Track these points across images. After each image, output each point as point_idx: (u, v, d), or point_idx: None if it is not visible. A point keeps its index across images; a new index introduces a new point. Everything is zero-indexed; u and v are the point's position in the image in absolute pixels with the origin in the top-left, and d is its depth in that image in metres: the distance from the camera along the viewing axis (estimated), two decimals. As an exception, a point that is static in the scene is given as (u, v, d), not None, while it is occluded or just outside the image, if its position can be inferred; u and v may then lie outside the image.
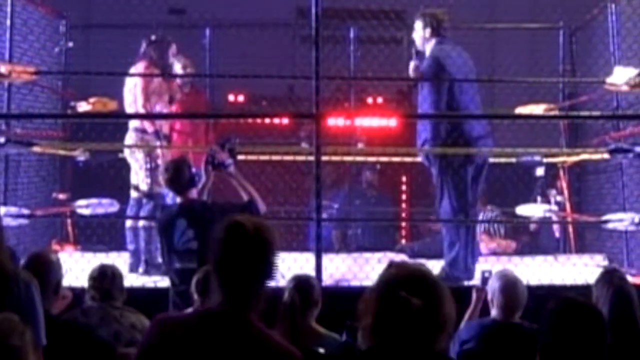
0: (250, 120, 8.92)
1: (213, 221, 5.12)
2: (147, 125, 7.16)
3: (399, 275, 2.46)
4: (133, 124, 7.21)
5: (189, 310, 4.14)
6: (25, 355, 2.63)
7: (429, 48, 6.50)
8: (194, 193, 5.41)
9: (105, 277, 4.30)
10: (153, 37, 7.41)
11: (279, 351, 2.53)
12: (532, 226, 8.76)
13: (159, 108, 7.32)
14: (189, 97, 8.15)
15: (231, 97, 10.09)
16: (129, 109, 7.24)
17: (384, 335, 2.40)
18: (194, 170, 5.51)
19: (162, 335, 2.52)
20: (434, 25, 6.42)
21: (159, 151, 7.13)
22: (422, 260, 6.92)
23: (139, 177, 7.07)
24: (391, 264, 2.63)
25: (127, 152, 7.24)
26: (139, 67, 7.29)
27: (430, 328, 2.38)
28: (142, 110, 7.11)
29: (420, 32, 6.51)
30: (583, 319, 2.68)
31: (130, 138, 7.21)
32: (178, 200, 5.42)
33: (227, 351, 2.47)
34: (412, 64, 6.41)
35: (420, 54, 6.54)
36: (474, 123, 6.46)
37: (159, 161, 6.96)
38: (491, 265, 6.60)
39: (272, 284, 2.64)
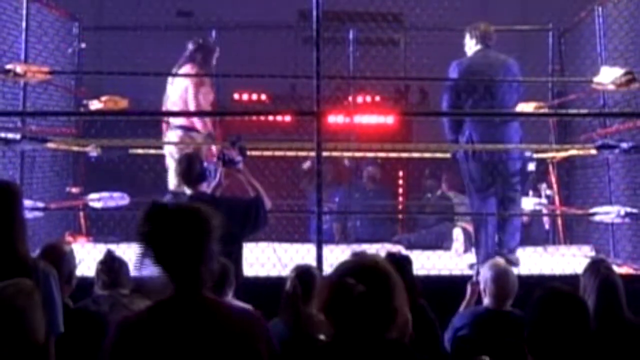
0: (254, 118, 8.91)
1: (220, 214, 5.12)
2: (200, 126, 7.03)
3: (350, 263, 2.41)
4: (178, 121, 7.13)
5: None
6: (32, 315, 2.62)
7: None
8: (204, 186, 5.40)
9: (114, 261, 4.30)
10: (200, 41, 7.33)
11: (237, 317, 2.48)
12: (524, 218, 8.75)
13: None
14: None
15: (236, 96, 10.08)
16: (174, 107, 7.13)
17: (335, 322, 2.34)
18: (205, 165, 5.49)
19: (123, 336, 2.43)
20: (477, 36, 6.80)
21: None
22: (418, 251, 6.94)
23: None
24: (353, 254, 2.56)
25: (169, 152, 7.13)
26: (186, 69, 7.17)
27: (378, 316, 2.32)
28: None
29: (467, 43, 6.88)
30: (567, 307, 2.68)
31: (175, 136, 7.14)
32: (188, 192, 5.39)
33: (189, 333, 2.39)
34: None
35: None
36: (476, 125, 6.63)
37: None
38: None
39: (213, 261, 2.54)
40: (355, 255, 2.51)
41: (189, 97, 7.05)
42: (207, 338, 2.40)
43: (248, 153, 5.79)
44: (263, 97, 10.18)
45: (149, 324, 2.43)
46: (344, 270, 2.38)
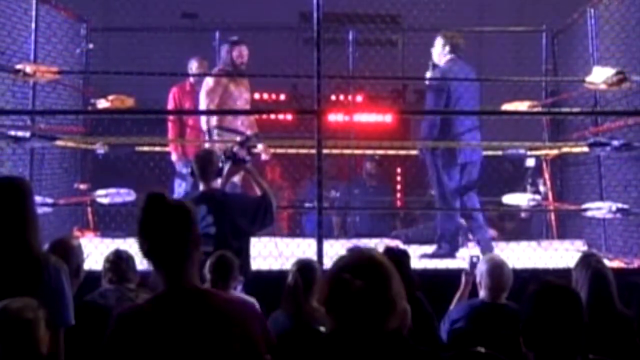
0: (256, 116, 8.90)
1: (231, 210, 5.11)
2: (203, 122, 7.11)
3: (346, 259, 2.40)
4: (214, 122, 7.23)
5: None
6: (37, 328, 2.64)
7: (443, 61, 6.90)
8: (217, 183, 5.36)
9: (121, 260, 4.29)
10: (230, 40, 7.39)
11: (230, 306, 2.50)
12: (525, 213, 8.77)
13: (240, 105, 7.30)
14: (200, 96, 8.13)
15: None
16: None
17: (336, 317, 2.34)
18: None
19: (122, 327, 2.45)
20: (452, 44, 6.85)
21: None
22: (415, 246, 6.95)
23: None
24: (348, 249, 2.56)
25: None
26: (214, 70, 7.30)
27: (376, 309, 2.31)
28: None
29: (439, 48, 6.91)
30: (561, 300, 2.67)
31: (216, 135, 7.22)
32: (201, 188, 5.33)
33: (189, 325, 2.42)
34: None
35: (435, 67, 6.94)
36: (459, 124, 6.77)
37: None
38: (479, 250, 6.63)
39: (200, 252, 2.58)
40: (351, 250, 2.50)
41: (203, 95, 7.21)
42: (202, 327, 2.41)
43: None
44: (265, 96, 10.17)
45: (147, 316, 2.45)
46: (340, 266, 2.38)
